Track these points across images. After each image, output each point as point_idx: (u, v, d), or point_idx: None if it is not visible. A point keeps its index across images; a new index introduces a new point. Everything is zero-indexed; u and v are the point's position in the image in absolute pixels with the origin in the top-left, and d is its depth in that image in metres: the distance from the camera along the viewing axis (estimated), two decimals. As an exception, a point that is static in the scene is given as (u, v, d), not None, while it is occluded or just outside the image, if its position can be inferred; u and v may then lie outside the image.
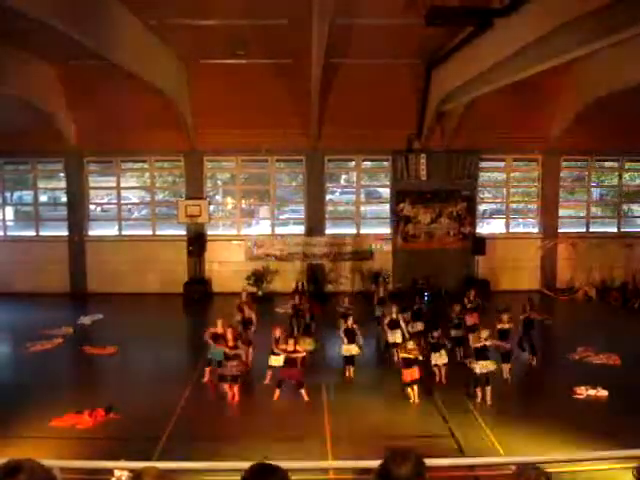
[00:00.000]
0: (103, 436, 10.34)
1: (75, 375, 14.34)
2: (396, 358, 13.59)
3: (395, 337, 14.25)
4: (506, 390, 12.68)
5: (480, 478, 8.35)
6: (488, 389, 11.90)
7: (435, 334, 13.08)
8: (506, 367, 13.09)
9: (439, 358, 12.93)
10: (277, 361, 12.63)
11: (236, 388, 12.06)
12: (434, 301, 18.61)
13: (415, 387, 12.03)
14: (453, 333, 14.53)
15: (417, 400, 11.96)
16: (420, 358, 12.21)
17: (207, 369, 12.73)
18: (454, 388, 12.50)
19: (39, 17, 10.15)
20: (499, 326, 13.28)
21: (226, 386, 12.07)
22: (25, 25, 12.94)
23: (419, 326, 14.96)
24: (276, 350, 12.59)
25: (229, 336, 12.10)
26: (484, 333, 12.13)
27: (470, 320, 14.74)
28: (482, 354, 11.95)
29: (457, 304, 15.11)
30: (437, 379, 12.99)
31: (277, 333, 12.82)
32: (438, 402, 11.91)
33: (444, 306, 16.24)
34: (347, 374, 13.49)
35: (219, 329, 12.53)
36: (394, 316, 14.34)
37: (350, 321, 13.50)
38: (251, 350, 14.21)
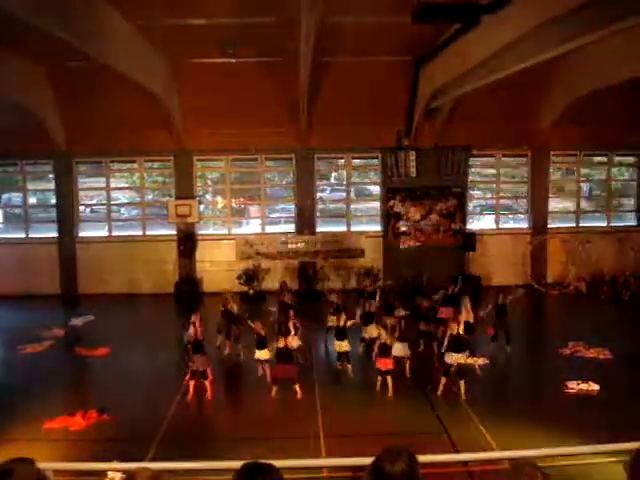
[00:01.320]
0: (96, 438, 10.31)
1: (67, 377, 14.29)
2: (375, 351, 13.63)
3: (368, 332, 14.54)
4: (498, 385, 12.73)
5: (474, 474, 8.37)
6: (461, 383, 11.97)
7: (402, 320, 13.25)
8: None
9: (401, 350, 12.96)
10: (263, 355, 12.76)
11: (207, 383, 12.07)
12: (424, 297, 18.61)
13: (389, 378, 12.13)
14: (422, 327, 14.65)
15: (390, 393, 12.06)
16: (389, 343, 12.38)
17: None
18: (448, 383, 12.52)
19: (27, 18, 10.12)
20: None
21: (191, 383, 12.08)
22: (13, 26, 12.88)
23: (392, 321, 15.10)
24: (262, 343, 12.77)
25: (196, 329, 12.30)
26: (455, 324, 12.24)
27: (443, 313, 14.87)
28: (454, 346, 12.06)
29: (426, 299, 15.34)
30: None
31: (258, 328, 12.84)
32: (431, 398, 11.93)
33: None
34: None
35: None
36: (367, 310, 14.72)
37: (343, 318, 13.52)
38: (241, 346, 14.45)
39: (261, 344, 12.78)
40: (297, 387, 12.10)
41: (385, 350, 12.31)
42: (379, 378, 12.24)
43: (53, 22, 10.74)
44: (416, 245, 22.52)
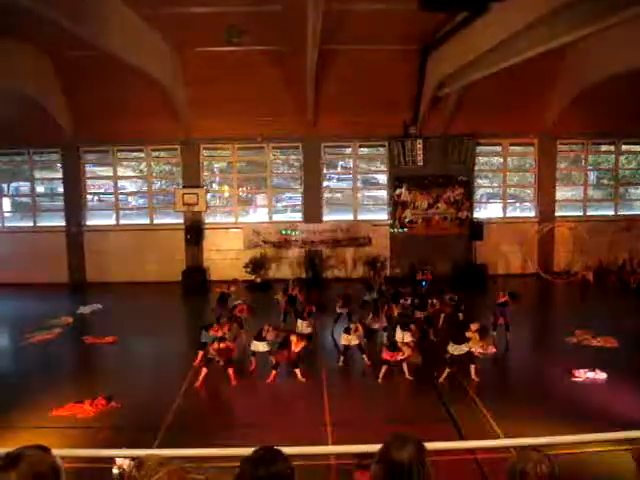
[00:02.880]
0: (104, 425, 10.36)
1: (75, 365, 14.36)
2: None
3: (367, 322, 14.68)
4: (505, 373, 12.73)
5: (480, 461, 8.39)
6: (472, 367, 12.08)
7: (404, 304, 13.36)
8: None
9: (405, 336, 13.05)
10: (260, 347, 12.75)
11: (231, 371, 12.10)
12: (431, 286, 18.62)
13: (404, 365, 12.31)
14: (417, 314, 14.68)
15: (410, 376, 12.26)
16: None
17: (200, 353, 12.77)
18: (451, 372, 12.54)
19: (31, 6, 10.11)
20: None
21: (203, 370, 12.09)
22: (18, 15, 12.90)
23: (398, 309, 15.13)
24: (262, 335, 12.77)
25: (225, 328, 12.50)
26: (474, 326, 12.26)
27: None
28: (458, 337, 12.09)
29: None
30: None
31: (264, 332, 12.82)
32: (437, 386, 11.95)
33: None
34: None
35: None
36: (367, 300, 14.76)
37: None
38: (244, 335, 14.42)
39: (260, 336, 12.79)
40: (298, 371, 12.22)
41: (394, 345, 12.39)
42: (384, 368, 12.26)
43: (58, 11, 10.73)
44: (423, 234, 22.48)
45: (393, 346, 12.37)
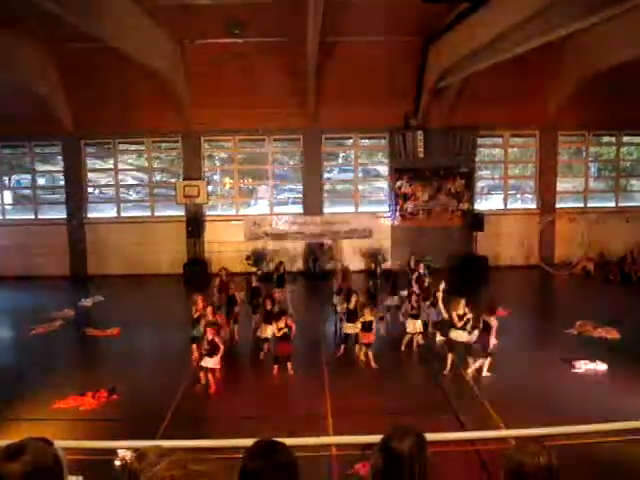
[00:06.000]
0: (106, 417, 10.39)
1: (77, 357, 14.38)
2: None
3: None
4: (505, 364, 12.73)
5: (481, 452, 8.42)
6: (470, 359, 12.02)
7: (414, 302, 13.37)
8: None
9: (415, 327, 13.25)
10: (268, 332, 12.80)
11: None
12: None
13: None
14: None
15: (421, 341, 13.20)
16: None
17: (193, 346, 12.67)
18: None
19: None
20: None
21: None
22: (20, 7, 12.90)
23: (395, 300, 15.14)
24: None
25: (208, 312, 12.27)
26: (462, 302, 12.18)
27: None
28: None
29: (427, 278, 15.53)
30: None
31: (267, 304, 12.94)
32: (438, 377, 11.96)
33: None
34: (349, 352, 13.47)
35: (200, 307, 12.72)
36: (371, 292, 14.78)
37: (354, 299, 13.43)
38: (237, 327, 14.38)
39: (269, 319, 12.80)
40: (289, 364, 12.21)
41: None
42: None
43: (58, 3, 10.72)
44: (424, 225, 22.48)
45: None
